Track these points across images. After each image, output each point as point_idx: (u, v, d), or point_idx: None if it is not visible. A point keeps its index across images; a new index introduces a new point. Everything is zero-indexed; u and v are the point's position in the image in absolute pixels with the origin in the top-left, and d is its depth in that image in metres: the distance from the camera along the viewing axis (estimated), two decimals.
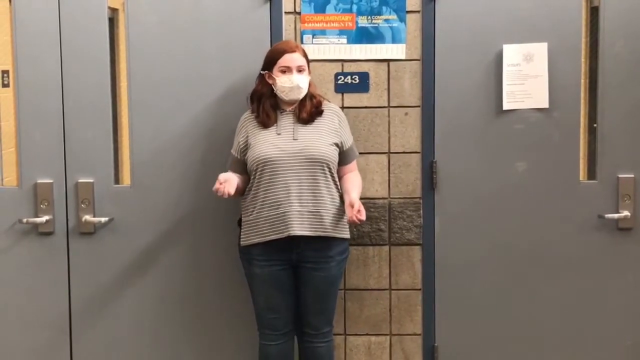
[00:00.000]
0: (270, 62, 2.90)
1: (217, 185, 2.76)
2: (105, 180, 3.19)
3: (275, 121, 2.91)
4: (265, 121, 2.90)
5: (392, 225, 3.22)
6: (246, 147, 2.91)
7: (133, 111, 3.18)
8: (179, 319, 3.26)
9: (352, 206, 2.79)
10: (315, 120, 2.91)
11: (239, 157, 2.94)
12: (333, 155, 2.88)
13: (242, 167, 2.94)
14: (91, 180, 3.19)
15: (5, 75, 3.25)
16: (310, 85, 2.93)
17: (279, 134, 2.88)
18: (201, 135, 3.18)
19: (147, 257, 3.22)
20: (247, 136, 2.92)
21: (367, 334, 3.28)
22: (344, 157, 2.95)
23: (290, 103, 2.92)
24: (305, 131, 2.88)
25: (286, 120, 2.91)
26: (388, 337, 3.28)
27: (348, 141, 2.97)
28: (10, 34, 3.16)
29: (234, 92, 3.15)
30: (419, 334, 3.28)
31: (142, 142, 3.19)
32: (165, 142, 3.19)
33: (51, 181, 3.18)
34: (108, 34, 3.17)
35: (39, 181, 3.18)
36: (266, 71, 2.91)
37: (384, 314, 3.27)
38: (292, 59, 2.87)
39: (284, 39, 3.14)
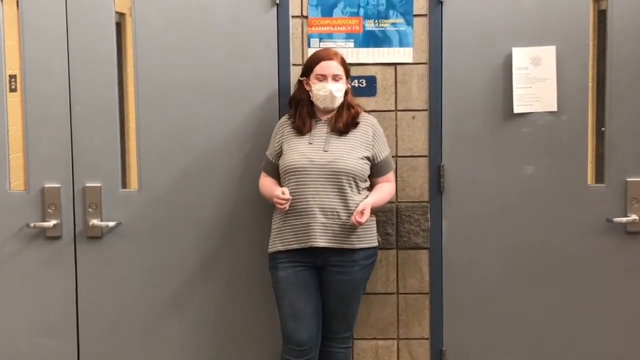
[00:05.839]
0: (308, 68, 2.92)
1: (282, 199, 2.78)
2: (113, 185, 3.19)
3: (310, 129, 2.91)
4: (301, 127, 2.90)
5: (399, 229, 3.22)
6: (280, 152, 2.93)
7: (140, 115, 3.18)
8: (188, 323, 3.26)
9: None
10: (350, 132, 2.90)
11: (273, 160, 2.97)
12: (361, 168, 2.87)
13: (275, 170, 2.96)
14: (98, 185, 3.19)
15: (12, 80, 3.24)
16: (347, 94, 2.93)
17: (310, 144, 2.88)
18: (208, 139, 3.18)
19: (155, 262, 3.22)
20: (282, 141, 2.93)
21: (374, 338, 3.27)
22: (377, 170, 2.94)
23: (326, 112, 2.93)
24: (337, 143, 2.88)
25: (320, 130, 2.91)
26: (396, 341, 3.28)
27: (381, 154, 2.95)
28: (18, 39, 3.16)
29: (241, 95, 3.15)
30: (427, 338, 3.27)
31: (150, 146, 3.19)
32: (172, 146, 3.18)
33: (58, 185, 3.18)
34: (115, 39, 3.17)
35: (46, 185, 3.18)
36: (304, 77, 2.92)
37: (391, 318, 3.26)
38: (328, 66, 2.87)
39: (290, 42, 3.14)
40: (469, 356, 3.28)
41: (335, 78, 2.88)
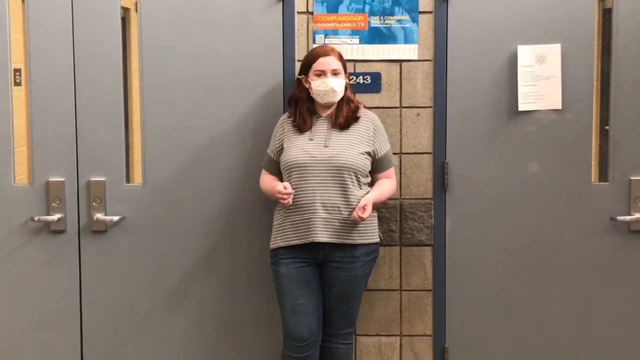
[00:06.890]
0: (306, 66, 2.93)
1: (285, 194, 2.78)
2: (117, 179, 3.20)
3: (311, 126, 2.92)
4: (301, 125, 2.91)
5: (403, 226, 3.22)
6: (281, 149, 2.94)
7: (145, 110, 3.18)
8: (190, 317, 3.26)
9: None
10: (351, 127, 2.91)
11: (274, 158, 2.98)
12: (362, 163, 2.88)
13: (276, 168, 2.97)
14: (103, 179, 3.19)
15: (17, 73, 3.25)
16: (346, 89, 2.94)
17: (311, 140, 2.89)
18: (212, 135, 3.18)
19: (159, 256, 3.23)
20: (283, 139, 2.94)
21: (377, 335, 3.28)
22: (377, 166, 2.95)
23: (326, 107, 2.94)
24: (337, 138, 2.89)
25: (321, 127, 2.92)
26: (398, 338, 3.28)
27: (382, 150, 2.95)
28: (23, 33, 3.16)
29: (246, 91, 3.16)
30: (430, 335, 3.28)
31: (154, 141, 3.19)
32: (177, 141, 3.19)
33: (63, 179, 3.19)
34: (121, 33, 3.17)
35: (51, 179, 3.18)
36: (303, 75, 2.92)
37: (394, 314, 3.27)
38: (326, 62, 2.88)
39: (296, 39, 3.14)
40: (471, 353, 3.28)
41: (335, 73, 2.88)
